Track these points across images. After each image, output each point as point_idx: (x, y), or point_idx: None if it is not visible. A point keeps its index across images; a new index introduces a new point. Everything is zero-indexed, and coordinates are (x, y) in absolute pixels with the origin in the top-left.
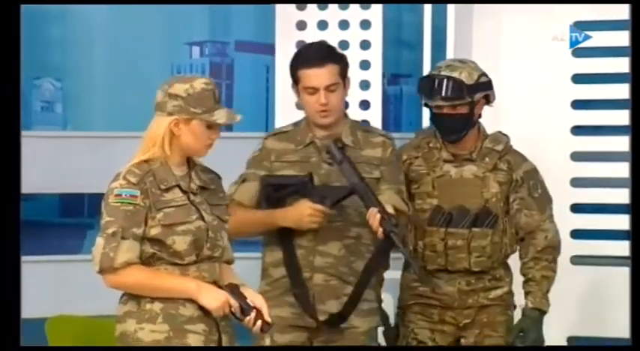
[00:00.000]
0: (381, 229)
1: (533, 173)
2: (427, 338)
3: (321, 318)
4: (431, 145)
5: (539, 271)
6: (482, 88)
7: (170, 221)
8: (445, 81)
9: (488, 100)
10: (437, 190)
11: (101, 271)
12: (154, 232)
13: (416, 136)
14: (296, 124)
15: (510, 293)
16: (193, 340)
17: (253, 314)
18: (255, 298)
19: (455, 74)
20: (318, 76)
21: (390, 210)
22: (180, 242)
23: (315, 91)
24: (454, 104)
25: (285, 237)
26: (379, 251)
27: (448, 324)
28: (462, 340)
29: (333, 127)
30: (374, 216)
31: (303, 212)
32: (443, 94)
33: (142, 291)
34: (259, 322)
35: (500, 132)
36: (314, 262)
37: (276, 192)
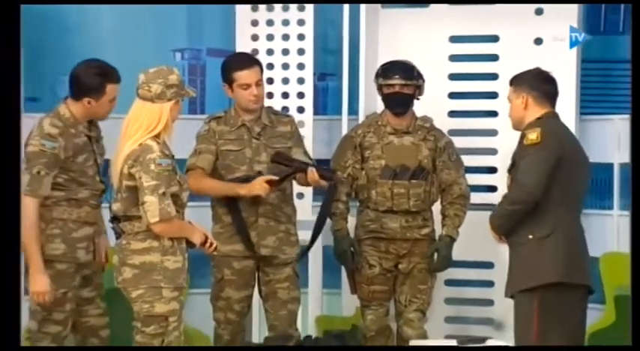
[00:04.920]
0: (323, 182)
1: (451, 144)
2: (376, 262)
3: (263, 251)
4: (379, 123)
5: (453, 211)
6: (422, 78)
7: (182, 181)
8: (402, 64)
9: (420, 91)
10: (385, 154)
11: (159, 222)
12: (174, 189)
13: (366, 118)
14: (226, 111)
15: (434, 231)
16: (186, 265)
17: (209, 242)
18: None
19: (407, 63)
20: (250, 75)
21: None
22: (185, 196)
23: (248, 86)
24: (407, 83)
25: (232, 203)
26: (326, 200)
27: (391, 253)
28: (399, 265)
29: (256, 112)
30: (312, 173)
31: (254, 183)
32: (400, 73)
33: (176, 233)
34: (214, 245)
35: (425, 115)
36: (258, 209)
37: (284, 164)
